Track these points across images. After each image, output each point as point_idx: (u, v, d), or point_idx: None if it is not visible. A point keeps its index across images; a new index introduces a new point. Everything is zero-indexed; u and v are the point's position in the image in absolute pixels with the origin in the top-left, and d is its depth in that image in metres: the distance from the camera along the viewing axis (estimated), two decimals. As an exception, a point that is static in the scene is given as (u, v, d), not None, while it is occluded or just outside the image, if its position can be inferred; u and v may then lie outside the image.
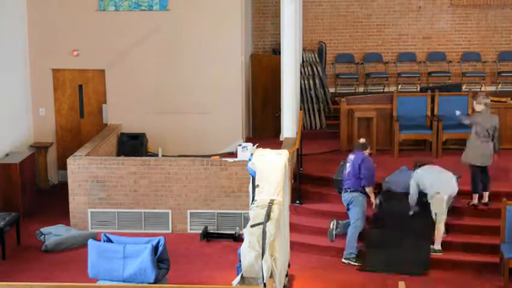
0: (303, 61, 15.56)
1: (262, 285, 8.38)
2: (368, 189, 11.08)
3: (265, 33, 17.19)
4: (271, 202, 8.91)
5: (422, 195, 10.94)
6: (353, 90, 17.15)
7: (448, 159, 13.20)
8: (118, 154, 14.33)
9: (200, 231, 12.06)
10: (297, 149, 12.48)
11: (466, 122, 11.91)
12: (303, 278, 10.46)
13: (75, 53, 14.68)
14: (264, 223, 8.58)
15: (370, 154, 11.46)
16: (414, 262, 10.58)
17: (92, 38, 14.64)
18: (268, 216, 8.65)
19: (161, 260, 9.48)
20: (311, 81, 15.15)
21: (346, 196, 11.05)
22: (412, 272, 10.41)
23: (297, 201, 12.15)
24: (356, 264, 10.78)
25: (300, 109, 14.58)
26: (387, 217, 11.21)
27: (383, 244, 10.91)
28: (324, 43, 16.79)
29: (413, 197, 10.97)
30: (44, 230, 11.89)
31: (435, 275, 10.42)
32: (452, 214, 11.33)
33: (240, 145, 12.51)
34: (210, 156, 13.32)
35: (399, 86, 17.07)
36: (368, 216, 11.23)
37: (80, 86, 14.95)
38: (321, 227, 11.56)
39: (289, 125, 13.61)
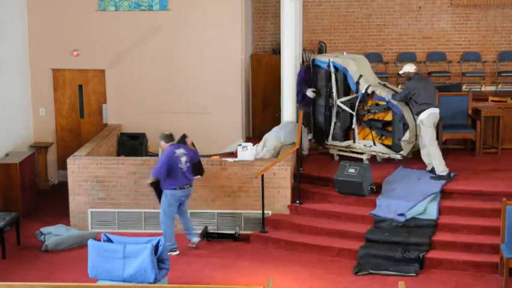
0: (303, 61, 15.55)
1: None
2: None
3: (265, 33, 17.18)
4: None
5: None
6: (353, 90, 17.15)
7: (447, 159, 13.22)
8: (118, 154, 14.32)
9: (200, 231, 12.06)
10: (297, 149, 12.48)
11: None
12: (303, 277, 10.47)
13: (75, 53, 14.69)
14: None
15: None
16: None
17: (92, 38, 14.64)
18: None
19: (161, 260, 9.49)
20: (311, 81, 15.14)
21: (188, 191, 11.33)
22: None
23: (297, 201, 12.15)
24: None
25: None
26: None
27: None
28: (324, 43, 16.78)
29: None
30: (44, 230, 11.89)
31: (435, 275, 10.42)
32: (452, 214, 11.36)
33: (240, 145, 12.50)
34: (210, 156, 13.32)
35: (399, 86, 17.07)
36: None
37: (80, 86, 14.95)
38: (321, 227, 11.58)
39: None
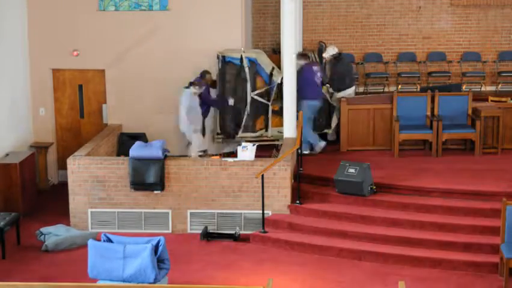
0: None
1: None
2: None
3: (265, 33, 17.20)
4: None
5: None
6: (353, 90, 17.14)
7: (448, 159, 13.24)
8: (118, 154, 14.32)
9: (200, 231, 12.07)
10: (297, 149, 12.48)
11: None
12: (303, 277, 10.47)
13: (75, 53, 14.69)
14: None
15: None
16: None
17: (92, 38, 14.64)
18: None
19: (161, 260, 9.49)
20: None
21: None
22: None
23: (297, 201, 12.15)
24: None
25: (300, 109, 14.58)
26: None
27: None
28: (324, 43, 16.79)
29: None
30: (44, 230, 11.89)
31: (435, 274, 10.43)
32: (452, 214, 11.37)
33: (240, 145, 12.50)
34: (210, 156, 13.32)
35: (399, 86, 17.09)
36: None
37: (80, 86, 14.95)
38: (321, 227, 11.57)
39: (289, 125, 13.61)
